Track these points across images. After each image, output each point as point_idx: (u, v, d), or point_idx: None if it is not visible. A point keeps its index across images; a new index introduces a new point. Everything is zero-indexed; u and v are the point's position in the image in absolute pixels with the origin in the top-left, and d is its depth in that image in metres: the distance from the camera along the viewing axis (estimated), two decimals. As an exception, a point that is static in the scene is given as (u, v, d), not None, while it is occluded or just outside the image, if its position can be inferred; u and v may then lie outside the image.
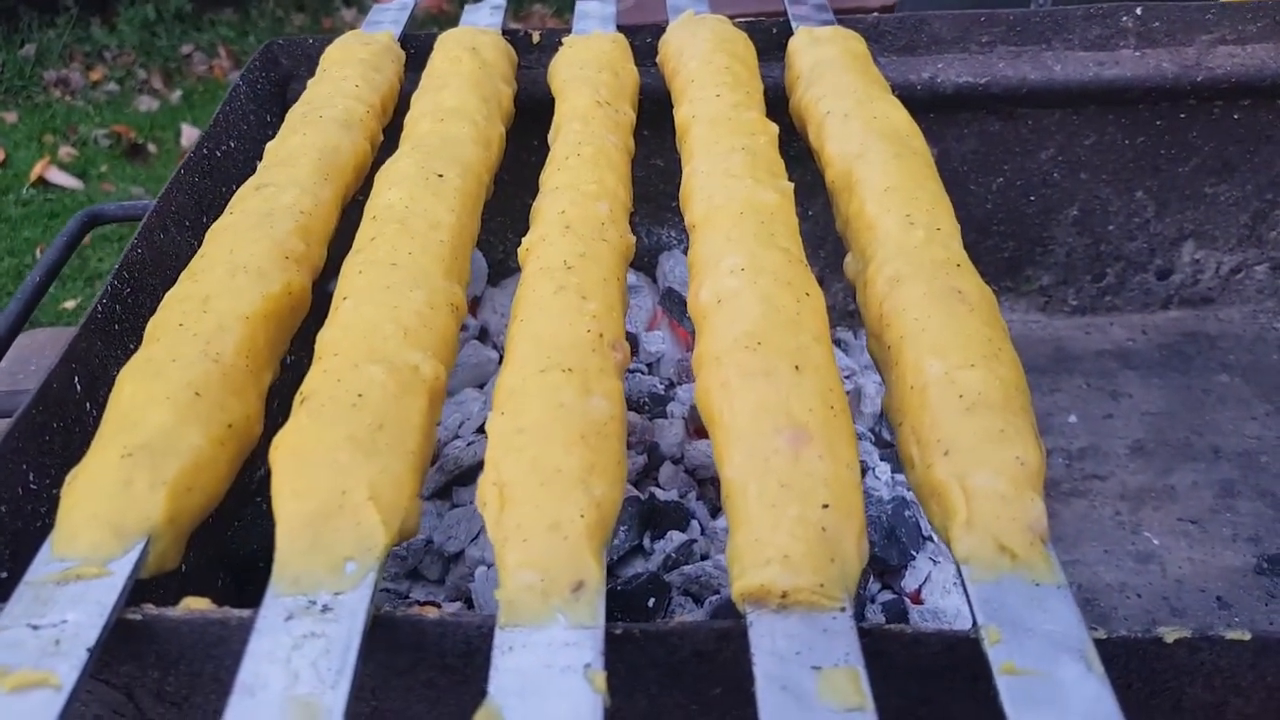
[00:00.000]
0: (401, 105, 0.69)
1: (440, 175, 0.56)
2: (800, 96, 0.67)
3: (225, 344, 0.44)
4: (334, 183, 0.58)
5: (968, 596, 0.35)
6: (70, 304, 2.18)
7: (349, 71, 0.69)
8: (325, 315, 0.47)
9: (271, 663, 0.32)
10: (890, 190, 0.53)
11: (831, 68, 0.66)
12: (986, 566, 0.36)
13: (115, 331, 0.49)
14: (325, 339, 0.45)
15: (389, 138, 0.67)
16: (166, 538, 0.38)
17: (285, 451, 0.39)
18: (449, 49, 0.72)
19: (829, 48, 0.69)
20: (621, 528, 0.65)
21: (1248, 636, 0.36)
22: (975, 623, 0.34)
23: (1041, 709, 0.31)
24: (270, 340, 0.47)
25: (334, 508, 0.37)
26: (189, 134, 2.90)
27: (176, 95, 3.13)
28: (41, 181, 2.65)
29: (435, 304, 0.47)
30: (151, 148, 2.85)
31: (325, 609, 0.34)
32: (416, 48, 0.83)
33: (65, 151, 2.79)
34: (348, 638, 0.33)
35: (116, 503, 0.38)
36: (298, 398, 0.42)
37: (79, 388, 0.48)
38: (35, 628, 0.34)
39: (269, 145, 0.61)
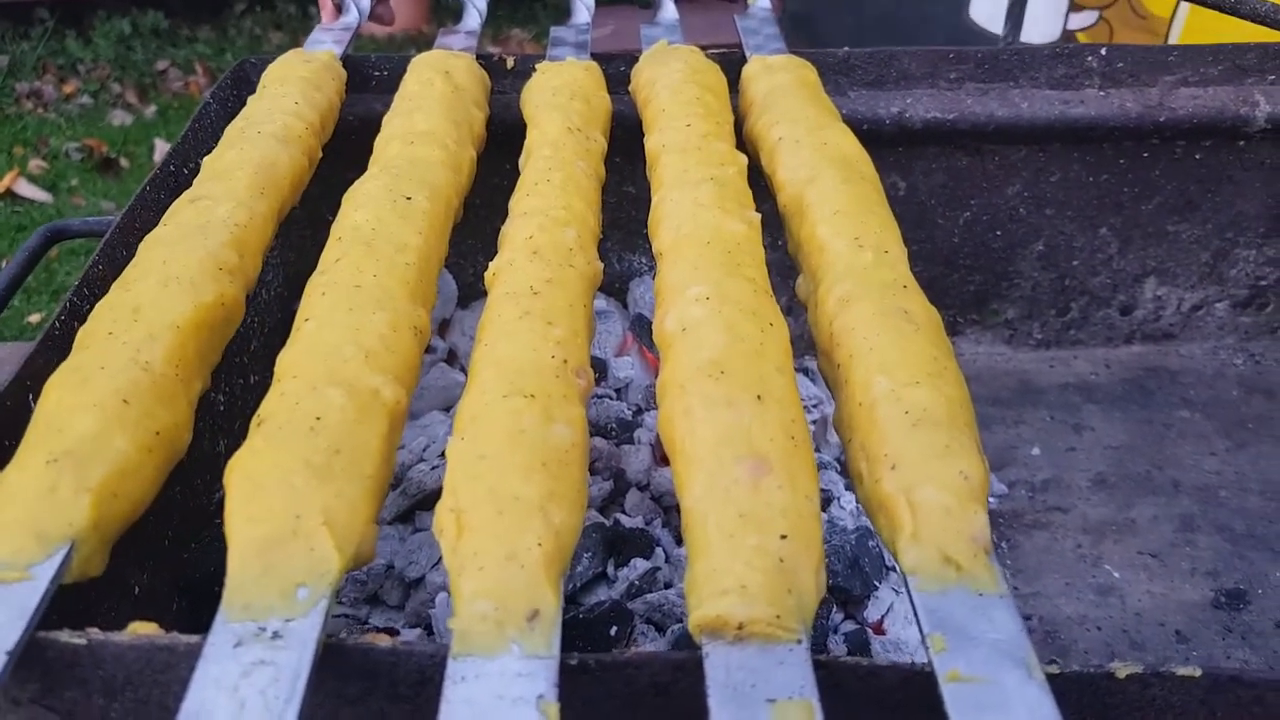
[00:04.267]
0: (365, 126, 0.70)
1: (408, 198, 0.56)
2: (754, 122, 0.68)
3: (155, 353, 0.44)
4: (270, 197, 0.58)
5: (914, 606, 0.36)
6: (35, 318, 2.15)
7: (289, 89, 0.69)
8: (284, 341, 0.47)
9: (219, 690, 0.32)
10: (840, 214, 0.54)
11: (785, 95, 0.67)
12: (933, 578, 0.37)
13: (71, 348, 0.48)
14: (285, 361, 0.45)
15: (338, 155, 0.68)
16: (91, 544, 0.38)
17: (239, 475, 0.39)
18: (422, 72, 0.72)
19: (782, 75, 0.70)
20: (585, 554, 0.65)
21: (1198, 673, 0.36)
22: (921, 631, 0.35)
23: (985, 713, 0.32)
24: (200, 350, 0.47)
25: (287, 533, 0.36)
26: (162, 149, 2.89)
27: (151, 110, 3.11)
28: (9, 194, 2.62)
29: (398, 327, 0.47)
30: (124, 162, 2.82)
31: (275, 636, 0.33)
32: (389, 70, 0.83)
33: (35, 164, 2.76)
34: (297, 666, 0.33)
35: (40, 508, 0.37)
36: (255, 420, 0.42)
37: (32, 403, 0.47)
38: None
39: (205, 159, 0.62)
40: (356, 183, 0.59)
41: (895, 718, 0.37)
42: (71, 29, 3.40)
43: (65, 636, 0.35)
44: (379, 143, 0.65)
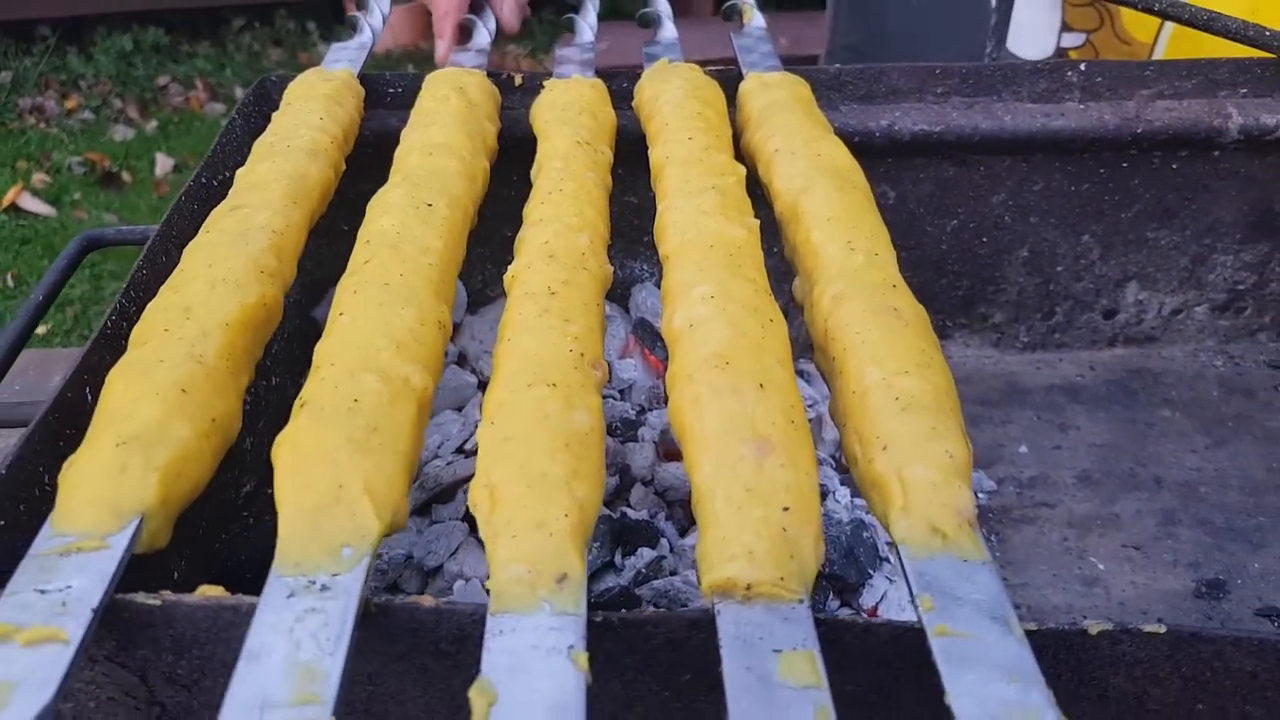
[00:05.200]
0: (380, 141, 0.74)
1: (429, 205, 0.60)
2: (751, 136, 0.72)
3: (208, 347, 0.49)
4: (302, 206, 0.63)
5: (904, 572, 0.39)
6: (41, 330, 2.18)
7: (313, 105, 0.73)
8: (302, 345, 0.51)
9: (275, 633, 0.36)
10: (833, 220, 0.58)
11: (780, 110, 0.71)
12: (921, 546, 0.40)
13: (122, 346, 0.52)
14: (323, 350, 0.49)
15: (354, 168, 0.72)
16: (158, 518, 0.42)
17: (287, 450, 0.43)
18: (437, 88, 0.77)
19: (778, 92, 0.74)
20: (594, 544, 0.68)
21: (1163, 630, 0.40)
22: (911, 593, 0.38)
23: (969, 664, 0.35)
24: (247, 346, 0.52)
25: (331, 500, 0.41)
26: (163, 163, 2.92)
27: (152, 125, 3.15)
28: (13, 207, 2.65)
29: (425, 321, 0.51)
30: (125, 176, 2.86)
31: (324, 588, 0.37)
32: (403, 87, 0.87)
33: (38, 178, 2.79)
34: (344, 613, 0.37)
35: (112, 485, 0.41)
36: (298, 403, 0.46)
37: (89, 397, 0.51)
38: (43, 592, 0.37)
39: (239, 172, 0.66)
40: (380, 191, 0.63)
41: (888, 670, 0.40)
42: (73, 45, 3.44)
43: (141, 598, 0.39)
44: (399, 154, 0.69)
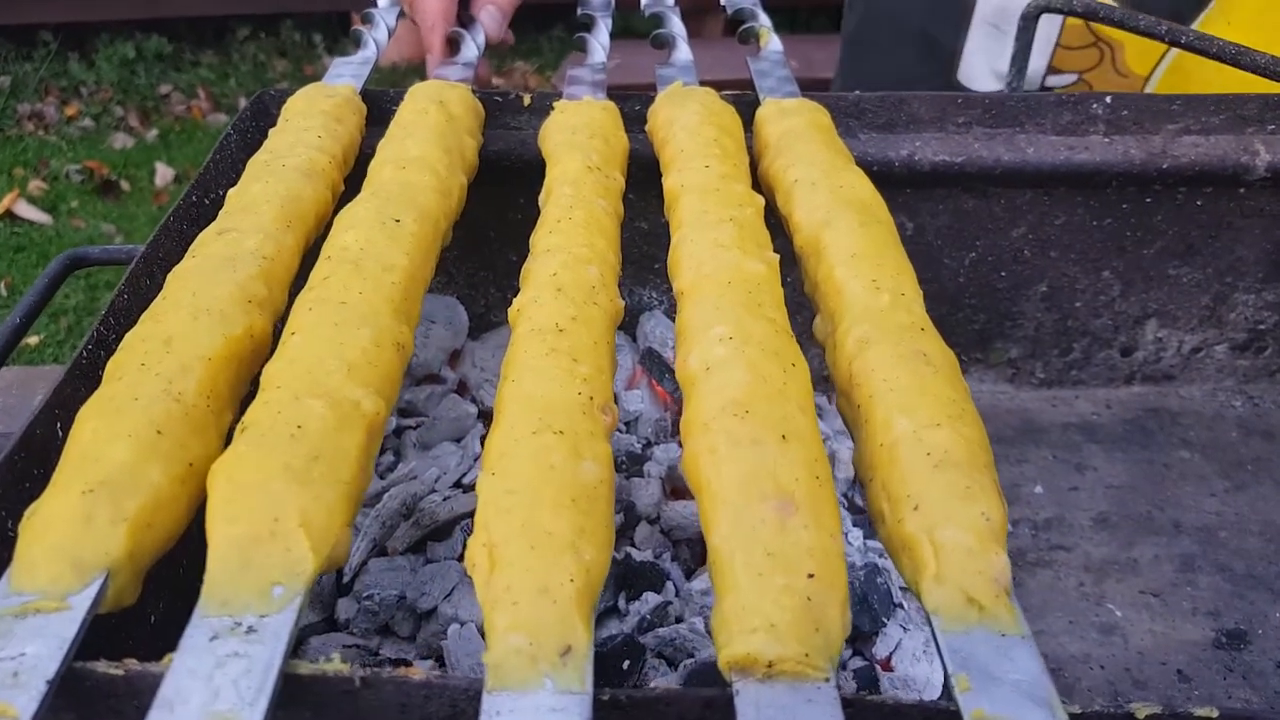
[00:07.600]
0: (363, 156, 0.71)
1: (397, 220, 0.58)
2: (769, 164, 0.69)
3: (187, 384, 0.45)
4: (296, 230, 0.59)
5: (938, 646, 0.36)
6: (34, 340, 2.15)
7: (311, 122, 0.70)
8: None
9: (193, 679, 0.33)
10: (856, 256, 0.55)
11: (799, 138, 0.69)
12: (956, 618, 0.37)
13: (99, 378, 0.49)
14: (270, 372, 0.46)
15: (350, 186, 0.69)
16: (125, 573, 0.39)
17: (222, 478, 0.40)
18: (417, 101, 0.74)
19: (796, 119, 0.71)
20: (596, 588, 0.65)
21: (1215, 714, 0.37)
22: (946, 671, 0.35)
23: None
24: (231, 382, 0.48)
25: (265, 533, 0.38)
26: (163, 173, 2.90)
27: (153, 134, 3.13)
28: (9, 215, 2.62)
29: (381, 342, 0.48)
30: (124, 185, 2.84)
31: (250, 630, 0.35)
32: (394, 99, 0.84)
33: (35, 185, 2.77)
34: (269, 659, 0.34)
35: (76, 537, 0.38)
36: (239, 427, 0.43)
37: (61, 433, 0.47)
38: None
39: (230, 192, 0.62)
40: (348, 205, 0.60)
41: (920, 757, 0.37)
42: (74, 51, 3.42)
43: (103, 667, 0.35)
44: (372, 167, 0.66)
